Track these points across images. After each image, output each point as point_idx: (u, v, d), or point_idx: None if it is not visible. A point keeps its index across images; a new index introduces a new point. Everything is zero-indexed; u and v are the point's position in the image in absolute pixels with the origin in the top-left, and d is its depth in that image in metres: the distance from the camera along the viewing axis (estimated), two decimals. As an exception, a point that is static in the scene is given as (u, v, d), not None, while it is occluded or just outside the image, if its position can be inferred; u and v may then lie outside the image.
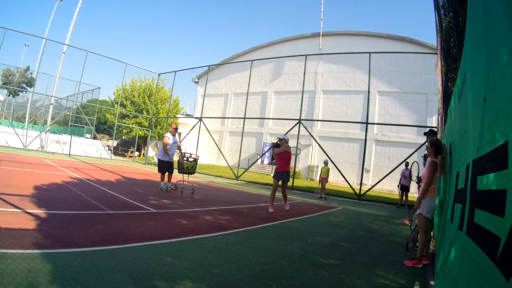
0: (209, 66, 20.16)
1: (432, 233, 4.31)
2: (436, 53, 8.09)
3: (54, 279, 2.03)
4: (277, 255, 3.38)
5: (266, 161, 25.39)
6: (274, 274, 2.76)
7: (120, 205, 5.07)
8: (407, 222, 6.88)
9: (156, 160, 18.23)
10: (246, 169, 16.15)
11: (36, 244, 2.63)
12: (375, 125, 20.76)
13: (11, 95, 30.41)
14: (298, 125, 13.76)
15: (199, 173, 15.32)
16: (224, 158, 18.74)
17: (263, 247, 3.64)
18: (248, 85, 16.34)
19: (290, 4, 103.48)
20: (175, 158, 7.78)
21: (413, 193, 10.71)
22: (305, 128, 14.02)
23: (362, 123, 14.73)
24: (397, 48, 19.72)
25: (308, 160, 24.05)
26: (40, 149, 17.34)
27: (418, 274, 3.30)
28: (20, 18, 71.08)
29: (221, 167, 23.35)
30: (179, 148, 7.70)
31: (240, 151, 16.66)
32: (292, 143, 7.08)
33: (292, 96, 24.28)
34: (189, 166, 7.64)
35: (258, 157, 24.12)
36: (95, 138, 22.51)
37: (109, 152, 20.63)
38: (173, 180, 8.00)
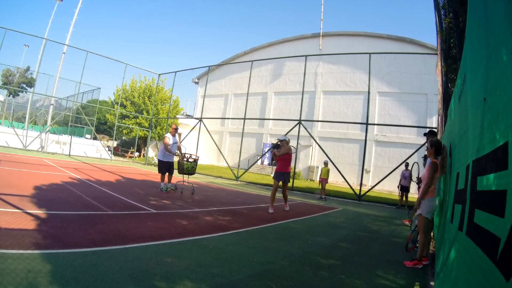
0: (209, 66, 20.19)
1: (432, 234, 4.31)
2: (436, 54, 8.09)
3: (54, 279, 2.03)
4: (277, 255, 3.38)
5: (266, 161, 25.39)
6: (274, 275, 2.75)
7: (120, 205, 5.07)
8: (407, 222, 6.88)
9: (156, 160, 18.24)
10: (246, 170, 16.15)
11: (36, 244, 2.63)
12: (375, 126, 20.76)
13: (11, 95, 30.43)
14: (298, 125, 13.76)
15: (199, 173, 15.32)
16: (224, 159, 18.74)
17: (263, 247, 3.63)
18: (248, 86, 16.35)
19: (290, 4, 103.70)
20: (175, 158, 7.78)
21: (413, 193, 10.72)
22: (305, 128, 14.03)
23: (362, 124, 14.74)
24: (397, 48, 19.73)
25: (308, 161, 24.05)
26: (40, 149, 17.34)
27: (418, 275, 3.30)
28: (20, 18, 71.24)
29: (221, 168, 23.35)
30: (179, 148, 7.70)
31: (240, 152, 16.67)
32: (292, 143, 7.08)
33: (292, 97, 24.28)
34: (189, 167, 7.64)
35: (258, 157, 24.11)
36: (95, 138, 22.52)
37: (109, 152, 20.63)
38: (173, 180, 8.00)
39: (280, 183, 6.55)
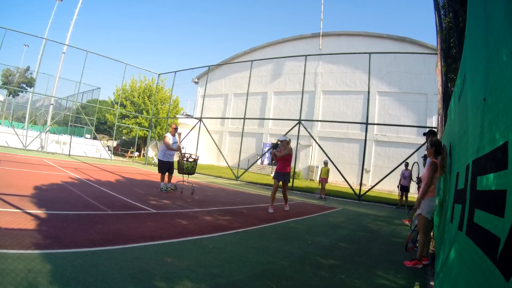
0: (209, 66, 20.18)
1: (432, 234, 4.31)
2: (436, 54, 8.09)
3: (54, 279, 2.03)
4: (277, 255, 3.38)
5: (266, 161, 25.39)
6: (274, 275, 2.76)
7: (120, 205, 5.07)
8: (407, 222, 6.88)
9: (156, 160, 18.23)
10: (246, 170, 16.15)
11: (36, 244, 2.63)
12: (375, 126, 20.77)
13: (11, 95, 30.43)
14: (298, 125, 13.77)
15: (199, 173, 15.32)
16: (224, 159, 18.73)
17: (263, 247, 3.63)
18: (248, 86, 16.35)
19: (290, 4, 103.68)
20: (175, 158, 7.78)
21: (413, 193, 10.72)
22: (305, 128, 14.03)
23: (362, 124, 14.73)
24: (397, 48, 19.72)
25: (308, 161, 24.06)
26: (40, 149, 17.34)
27: (418, 275, 3.30)
28: (20, 18, 71.16)
29: (221, 168, 23.35)
30: (179, 148, 7.70)
31: (240, 152, 16.66)
32: (291, 143, 7.08)
33: (292, 97, 24.28)
34: (189, 167, 7.64)
35: (258, 157, 24.12)
36: (95, 138, 22.52)
37: (109, 152, 20.63)
38: (173, 180, 8.00)
39: (280, 183, 6.56)
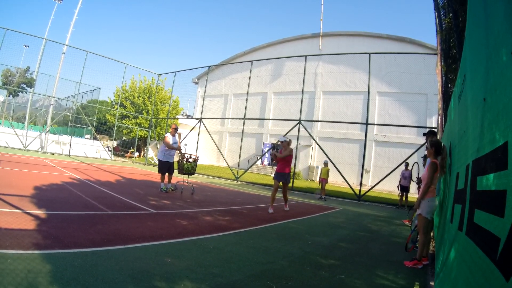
0: (209, 66, 20.19)
1: (432, 234, 4.31)
2: (436, 54, 8.10)
3: (54, 280, 2.03)
4: (277, 255, 3.38)
5: (266, 161, 25.40)
6: (274, 275, 2.76)
7: (120, 205, 5.07)
8: (407, 222, 6.88)
9: (156, 160, 18.23)
10: (246, 170, 16.15)
11: (36, 244, 2.63)
12: (375, 126, 20.77)
13: (11, 96, 30.43)
14: (298, 125, 13.77)
15: (199, 173, 15.32)
16: (224, 159, 18.74)
17: (263, 247, 3.63)
18: (248, 86, 16.35)
19: (290, 4, 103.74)
20: (175, 158, 7.78)
21: (413, 193, 10.73)
22: (305, 128, 14.03)
23: (362, 124, 14.74)
24: (397, 48, 19.73)
25: (308, 161, 24.06)
26: (40, 149, 17.34)
27: (418, 275, 3.30)
28: (20, 18, 71.13)
29: (221, 168, 23.35)
30: (179, 147, 7.70)
31: (240, 152, 16.67)
32: (292, 144, 7.08)
33: (292, 97, 24.29)
34: (189, 167, 7.64)
35: (258, 157, 24.12)
36: (95, 138, 22.52)
37: (109, 152, 20.63)
38: (173, 180, 8.01)
39: (281, 183, 6.56)
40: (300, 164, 23.32)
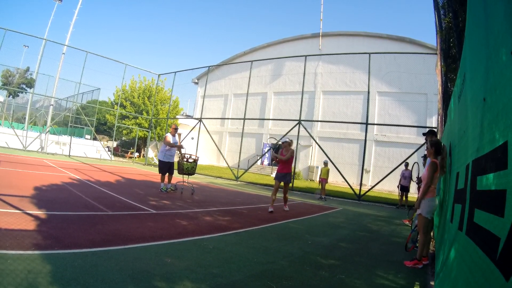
0: (209, 67, 20.20)
1: (432, 234, 4.31)
2: (436, 54, 8.10)
3: (54, 280, 2.03)
4: (277, 255, 3.38)
5: (266, 162, 25.39)
6: (274, 275, 2.75)
7: (120, 206, 5.06)
8: (407, 222, 6.88)
9: (156, 161, 18.22)
10: (246, 170, 16.15)
11: (36, 245, 2.63)
12: (375, 126, 20.76)
13: (11, 96, 30.43)
14: (298, 125, 13.77)
15: (199, 174, 15.32)
16: (224, 159, 18.73)
17: (263, 247, 3.63)
18: (248, 86, 16.35)
19: (290, 4, 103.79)
20: (175, 159, 7.78)
21: (413, 193, 10.72)
22: (305, 128, 14.03)
23: (362, 124, 14.74)
24: (397, 48, 19.72)
25: (308, 161, 24.05)
26: (40, 150, 17.33)
27: (418, 275, 3.30)
28: (20, 19, 71.17)
29: (221, 168, 23.34)
30: (180, 146, 7.70)
31: (240, 152, 16.66)
32: (292, 144, 7.09)
33: (292, 97, 24.29)
34: (189, 167, 7.64)
35: (258, 158, 24.11)
36: (95, 139, 22.52)
37: (109, 153, 20.63)
38: (173, 181, 8.01)
39: (282, 183, 6.57)
40: (300, 164, 23.30)
